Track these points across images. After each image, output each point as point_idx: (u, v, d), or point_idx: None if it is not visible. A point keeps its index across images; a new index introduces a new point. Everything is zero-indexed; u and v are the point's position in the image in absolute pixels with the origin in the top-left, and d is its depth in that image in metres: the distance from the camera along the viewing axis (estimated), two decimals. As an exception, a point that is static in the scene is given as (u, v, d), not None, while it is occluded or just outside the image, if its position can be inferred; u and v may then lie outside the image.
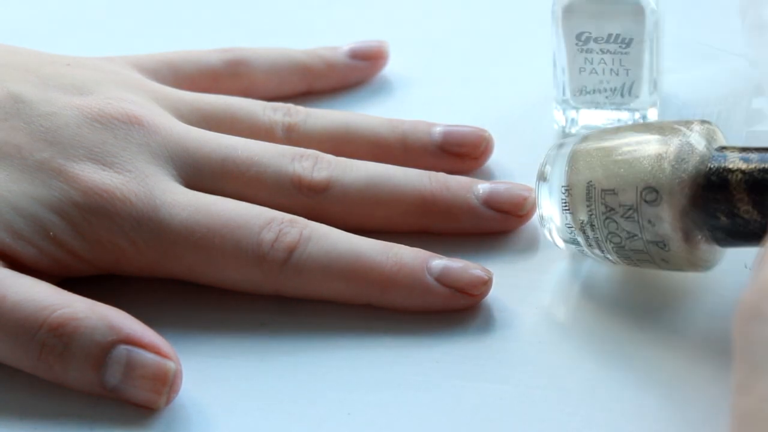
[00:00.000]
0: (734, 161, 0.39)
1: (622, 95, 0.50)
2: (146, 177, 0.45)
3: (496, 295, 0.44)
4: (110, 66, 0.51)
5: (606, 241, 0.41)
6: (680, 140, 0.40)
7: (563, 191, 0.42)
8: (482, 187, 0.47)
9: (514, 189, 0.48)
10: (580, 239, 0.42)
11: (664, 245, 0.40)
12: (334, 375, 0.42)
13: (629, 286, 0.44)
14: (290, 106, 0.51)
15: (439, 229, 0.47)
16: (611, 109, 0.51)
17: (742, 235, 0.39)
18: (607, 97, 0.50)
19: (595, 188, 0.41)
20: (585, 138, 0.43)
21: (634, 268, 0.43)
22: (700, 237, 0.40)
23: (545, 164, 0.44)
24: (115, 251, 0.44)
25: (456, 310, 0.44)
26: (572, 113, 0.52)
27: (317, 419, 0.40)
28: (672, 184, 0.39)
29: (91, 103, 0.47)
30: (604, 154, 0.41)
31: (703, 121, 0.41)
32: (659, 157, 0.40)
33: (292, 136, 0.50)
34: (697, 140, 0.40)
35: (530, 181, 0.48)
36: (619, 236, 0.41)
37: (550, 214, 0.43)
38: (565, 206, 0.42)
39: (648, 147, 0.40)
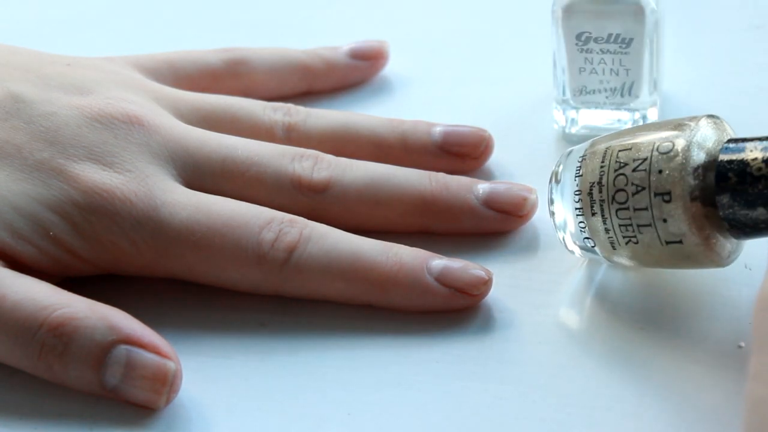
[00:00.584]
0: (754, 140, 0.39)
1: (622, 95, 0.50)
2: (146, 177, 0.45)
3: (496, 295, 0.44)
4: (110, 66, 0.51)
5: (611, 202, 0.41)
6: (697, 122, 0.40)
7: (579, 160, 0.43)
8: (482, 187, 0.47)
9: (514, 189, 0.48)
10: (585, 204, 0.42)
11: (669, 197, 0.40)
12: (334, 375, 0.42)
13: (630, 287, 0.44)
14: (290, 106, 0.51)
15: (439, 229, 0.47)
16: (611, 109, 0.51)
17: (749, 197, 0.39)
18: (607, 97, 0.50)
19: (611, 151, 0.42)
20: (595, 141, 0.43)
21: (635, 267, 0.43)
22: (710, 208, 0.40)
23: (559, 164, 0.44)
24: (115, 251, 0.44)
25: (456, 310, 0.44)
26: (572, 113, 0.52)
27: (317, 419, 0.40)
28: (690, 142, 0.40)
29: (91, 103, 0.47)
30: (619, 148, 0.42)
31: (710, 116, 0.41)
32: (680, 125, 0.41)
33: (292, 136, 0.50)
34: (714, 127, 0.40)
35: (530, 181, 0.48)
36: (626, 192, 0.40)
37: (563, 218, 0.43)
38: (578, 171, 0.42)
39: (667, 127, 0.41)
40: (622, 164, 0.41)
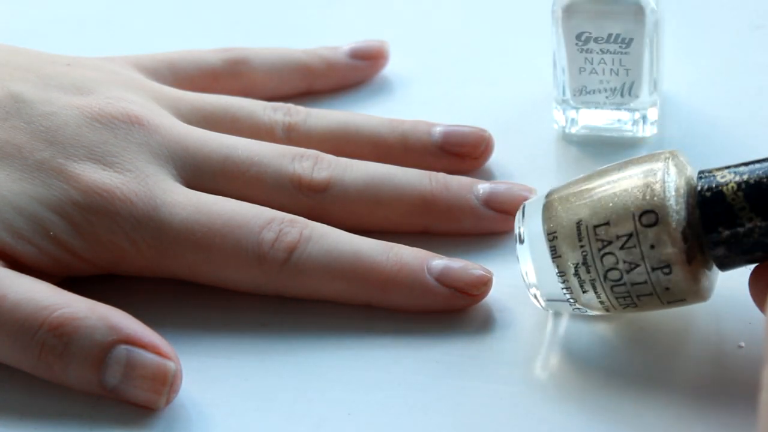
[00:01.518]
0: (725, 176, 0.39)
1: (622, 95, 0.50)
2: (146, 177, 0.45)
3: (496, 295, 0.44)
4: (110, 66, 0.51)
5: (603, 280, 0.40)
6: (662, 170, 0.40)
7: (549, 238, 0.40)
8: (482, 187, 0.47)
9: (514, 189, 0.48)
10: (573, 285, 0.40)
11: (668, 270, 0.39)
12: (334, 375, 0.42)
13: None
14: (290, 105, 0.51)
15: (440, 229, 0.47)
16: (611, 109, 0.51)
17: (745, 246, 0.38)
18: (607, 97, 0.50)
19: (585, 226, 0.40)
20: (552, 191, 0.42)
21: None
22: (701, 257, 0.39)
23: (518, 226, 0.42)
24: (115, 251, 0.44)
25: (456, 310, 0.44)
26: (572, 113, 0.52)
27: (317, 419, 0.40)
28: (669, 204, 0.39)
29: (91, 103, 0.47)
30: (583, 196, 0.40)
31: (671, 151, 0.41)
32: (648, 185, 0.39)
33: (292, 135, 0.50)
34: (677, 167, 0.40)
35: (530, 181, 0.48)
36: (618, 270, 0.39)
37: (533, 279, 0.42)
38: (554, 253, 0.40)
39: (631, 180, 0.40)
40: (605, 242, 0.39)
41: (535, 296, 0.42)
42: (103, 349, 0.40)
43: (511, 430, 0.39)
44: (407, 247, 0.45)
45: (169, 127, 0.47)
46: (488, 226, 0.47)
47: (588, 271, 0.40)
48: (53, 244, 0.44)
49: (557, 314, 0.43)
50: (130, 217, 0.44)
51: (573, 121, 0.52)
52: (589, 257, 0.40)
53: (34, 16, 0.66)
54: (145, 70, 0.52)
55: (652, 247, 0.39)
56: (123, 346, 0.41)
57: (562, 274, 0.40)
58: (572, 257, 0.40)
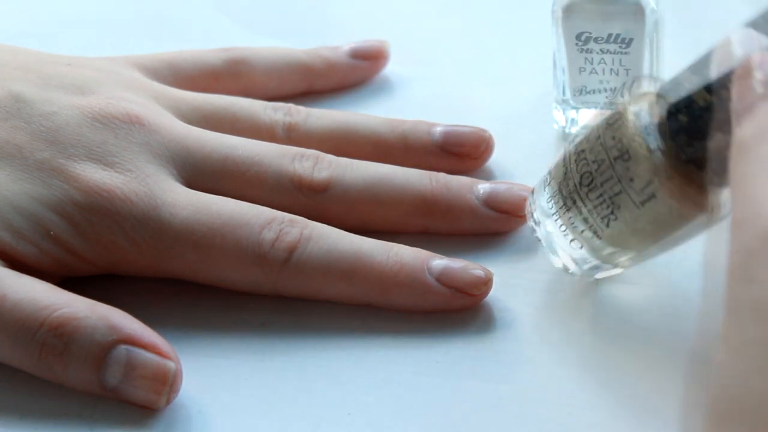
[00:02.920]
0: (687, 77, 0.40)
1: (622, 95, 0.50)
2: (147, 177, 0.45)
3: (496, 295, 0.44)
4: (111, 66, 0.51)
5: (580, 188, 0.41)
6: (626, 101, 0.41)
7: (545, 180, 0.43)
8: (482, 187, 0.47)
9: (514, 189, 0.48)
10: (558, 208, 0.42)
11: (628, 155, 0.40)
12: (334, 375, 0.42)
13: (633, 287, 0.44)
14: (291, 105, 0.51)
15: (440, 229, 0.47)
16: (611, 109, 0.51)
17: (696, 112, 0.39)
18: (607, 97, 0.50)
19: (567, 151, 0.42)
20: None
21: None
22: (664, 151, 0.39)
23: (529, 203, 0.44)
24: (116, 251, 0.44)
25: (456, 310, 0.44)
26: (572, 113, 0.52)
27: (317, 419, 0.40)
28: (629, 105, 0.41)
29: (91, 103, 0.47)
30: (573, 145, 0.42)
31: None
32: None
33: (292, 135, 0.50)
34: (641, 97, 0.41)
35: (530, 181, 0.48)
36: (590, 172, 0.41)
37: (552, 242, 0.43)
38: (546, 182, 0.43)
39: None
40: (580, 152, 0.41)
41: (564, 265, 0.43)
42: (103, 349, 0.41)
43: (511, 430, 0.39)
44: (407, 247, 0.45)
45: (170, 127, 0.47)
46: (488, 226, 0.47)
47: (567, 184, 0.41)
48: (53, 244, 0.44)
49: (557, 314, 0.43)
50: (130, 217, 0.44)
51: (573, 121, 0.52)
52: (568, 172, 0.41)
53: (34, 16, 0.66)
54: (145, 70, 0.53)
55: (613, 138, 0.40)
56: (123, 346, 0.41)
57: (550, 199, 0.42)
58: (557, 178, 0.42)
